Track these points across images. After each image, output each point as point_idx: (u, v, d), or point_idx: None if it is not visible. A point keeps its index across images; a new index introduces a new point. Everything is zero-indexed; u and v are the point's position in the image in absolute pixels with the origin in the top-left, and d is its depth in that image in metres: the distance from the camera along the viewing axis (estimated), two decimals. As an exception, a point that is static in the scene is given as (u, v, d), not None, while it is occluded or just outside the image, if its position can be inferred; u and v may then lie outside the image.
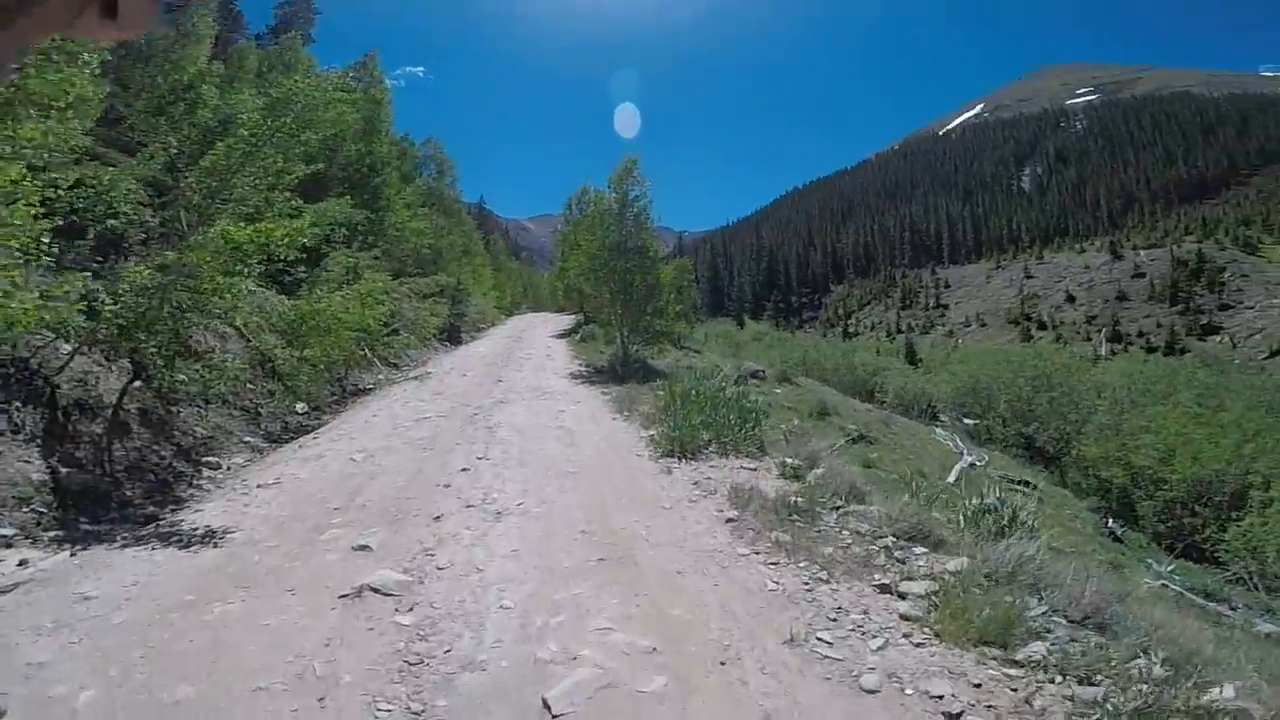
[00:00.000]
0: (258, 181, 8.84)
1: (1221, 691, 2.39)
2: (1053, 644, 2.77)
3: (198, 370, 6.80)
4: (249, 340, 9.07)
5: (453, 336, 18.14)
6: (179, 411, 6.83)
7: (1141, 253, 59.03)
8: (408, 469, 5.23)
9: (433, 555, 3.67)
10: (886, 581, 3.35)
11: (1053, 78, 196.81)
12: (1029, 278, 66.77)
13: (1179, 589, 8.08)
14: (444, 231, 24.67)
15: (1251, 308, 45.69)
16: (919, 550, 3.75)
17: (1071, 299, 59.23)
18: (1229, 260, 51.25)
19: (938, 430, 17.77)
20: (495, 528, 4.04)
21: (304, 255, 12.57)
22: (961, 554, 3.64)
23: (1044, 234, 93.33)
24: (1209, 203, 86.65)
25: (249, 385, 8.26)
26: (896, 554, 3.70)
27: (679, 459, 5.59)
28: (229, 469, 6.22)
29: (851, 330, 76.36)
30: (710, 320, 48.84)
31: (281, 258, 6.23)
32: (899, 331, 69.58)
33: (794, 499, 4.31)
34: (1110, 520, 12.23)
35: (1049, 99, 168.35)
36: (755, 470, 5.33)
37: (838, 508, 4.33)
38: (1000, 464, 15.01)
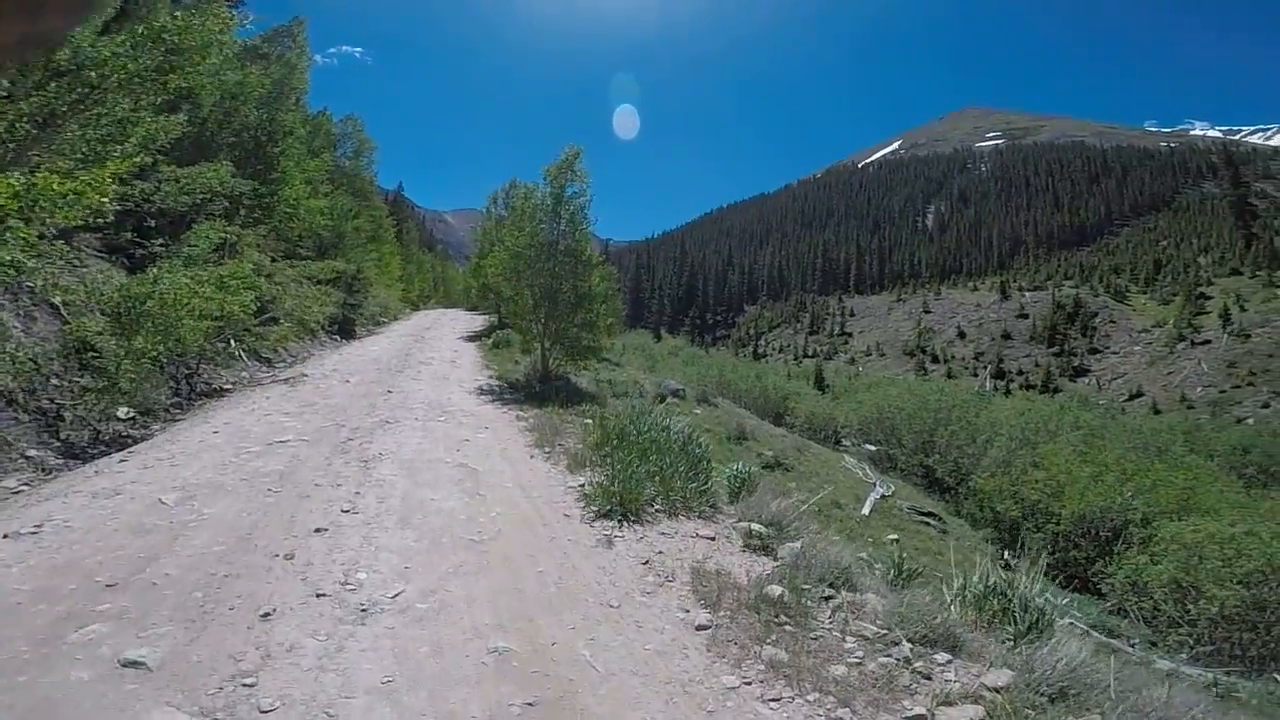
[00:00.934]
0: (92, 131, 6.99)
1: None
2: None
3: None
4: (66, 322, 7.19)
5: (345, 330, 16.15)
6: (-75, 415, 5.03)
7: (1026, 294, 64.23)
8: (238, 524, 3.78)
9: (251, 686, 2.39)
10: (922, 712, 2.52)
11: (967, 120, 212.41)
12: (926, 312, 70.90)
13: (1083, 626, 8.09)
14: (350, 214, 22.44)
15: (1116, 353, 50.56)
16: (941, 658, 2.97)
17: (963, 335, 63.32)
18: (1100, 306, 56.64)
19: (847, 458, 17.90)
20: (358, 637, 2.78)
21: (163, 224, 10.58)
22: (994, 661, 2.88)
23: (942, 270, 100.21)
24: (1085, 249, 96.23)
25: (53, 380, 6.44)
26: (918, 665, 2.89)
27: (619, 521, 4.49)
28: (-11, 499, 4.53)
29: (761, 351, 78.27)
30: (628, 331, 48.28)
31: (89, 222, 4.69)
32: (806, 355, 71.98)
33: (776, 589, 3.37)
34: (1006, 552, 12.58)
35: (960, 140, 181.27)
36: (714, 539, 4.32)
37: (827, 598, 3.45)
38: (905, 493, 15.25)
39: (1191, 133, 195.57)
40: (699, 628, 3.14)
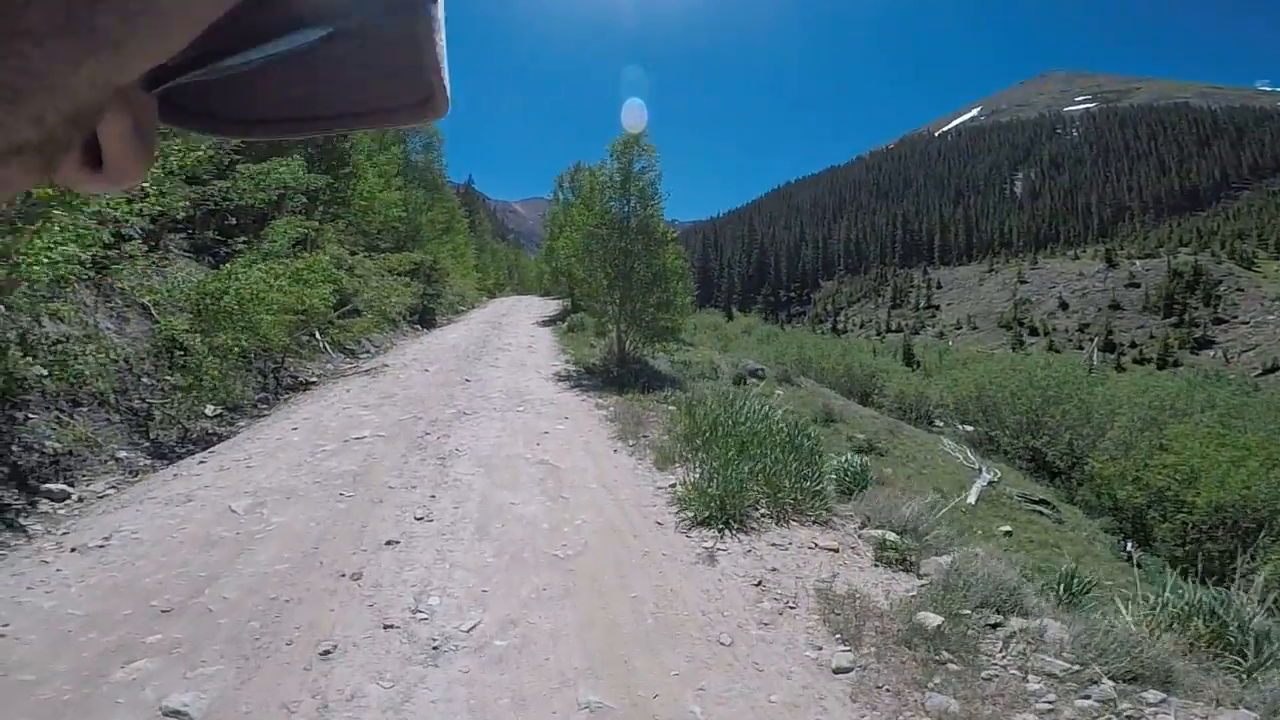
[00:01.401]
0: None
1: None
2: None
3: (53, 358, 5.09)
4: (156, 321, 7.33)
5: (425, 319, 16.36)
6: (24, 417, 5.11)
7: (1137, 262, 58.49)
8: (305, 534, 3.48)
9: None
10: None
11: (1052, 84, 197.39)
12: (1022, 282, 66.12)
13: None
14: (424, 206, 22.82)
15: (1246, 323, 45.19)
16: (1152, 697, 2.35)
17: (1064, 305, 58.69)
18: (1225, 274, 50.77)
19: (944, 440, 16.63)
20: (428, 682, 2.36)
21: (245, 222, 10.83)
22: (1221, 699, 2.29)
23: (1035, 239, 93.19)
24: (1200, 214, 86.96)
25: (144, 380, 6.54)
26: (1125, 708, 2.29)
27: (721, 530, 3.85)
28: (81, 500, 4.48)
29: (840, 327, 75.44)
30: (697, 311, 47.58)
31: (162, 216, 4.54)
32: (889, 330, 68.80)
33: (931, 618, 2.75)
34: (1128, 543, 11.36)
35: (1046, 105, 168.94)
36: (837, 551, 3.67)
37: (994, 625, 2.81)
38: (1011, 479, 14.01)
39: None
40: (837, 670, 2.56)
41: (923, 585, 3.24)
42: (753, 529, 3.94)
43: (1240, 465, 11.28)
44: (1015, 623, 2.84)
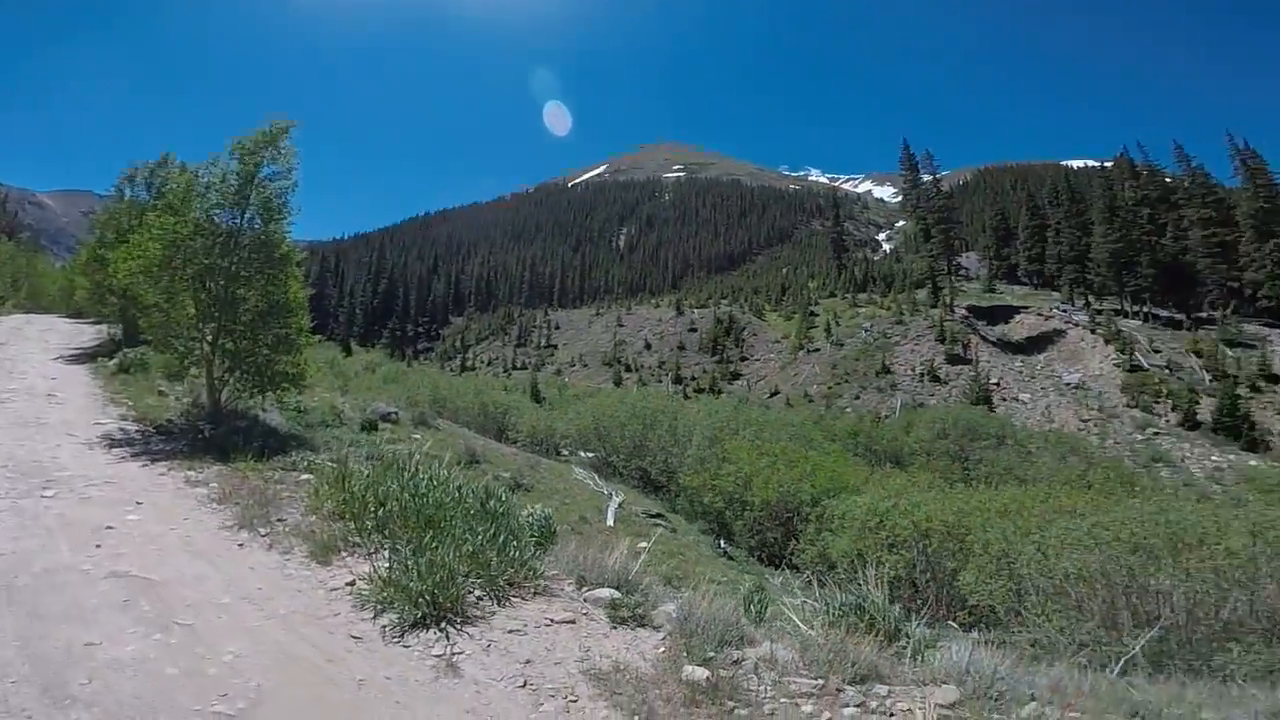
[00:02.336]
0: None
1: None
2: None
3: None
4: None
5: None
6: None
7: (695, 311, 74.98)
8: None
9: None
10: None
11: (662, 151, 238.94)
12: (620, 325, 77.58)
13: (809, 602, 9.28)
14: None
15: (759, 360, 62.17)
16: (881, 690, 2.85)
17: (649, 346, 70.94)
18: (747, 321, 69.03)
19: (575, 469, 18.11)
20: None
21: None
22: (920, 680, 2.84)
23: (630, 288, 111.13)
24: (734, 273, 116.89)
25: None
26: (874, 706, 2.73)
27: (444, 630, 3.16)
28: None
29: (470, 364, 76.21)
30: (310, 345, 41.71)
31: None
32: (515, 367, 72.32)
33: (696, 671, 2.86)
34: (721, 541, 13.93)
35: (654, 170, 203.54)
36: (574, 621, 3.40)
37: (736, 662, 2.98)
38: (632, 498, 16.04)
39: (809, 178, 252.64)
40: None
41: (664, 638, 3.25)
42: (477, 618, 3.39)
43: (773, 468, 14.98)
44: (751, 653, 3.09)
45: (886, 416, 40.04)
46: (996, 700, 2.78)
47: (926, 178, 65.09)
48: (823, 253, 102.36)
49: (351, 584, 3.63)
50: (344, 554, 3.97)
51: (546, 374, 67.21)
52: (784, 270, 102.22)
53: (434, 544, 3.68)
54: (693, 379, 60.59)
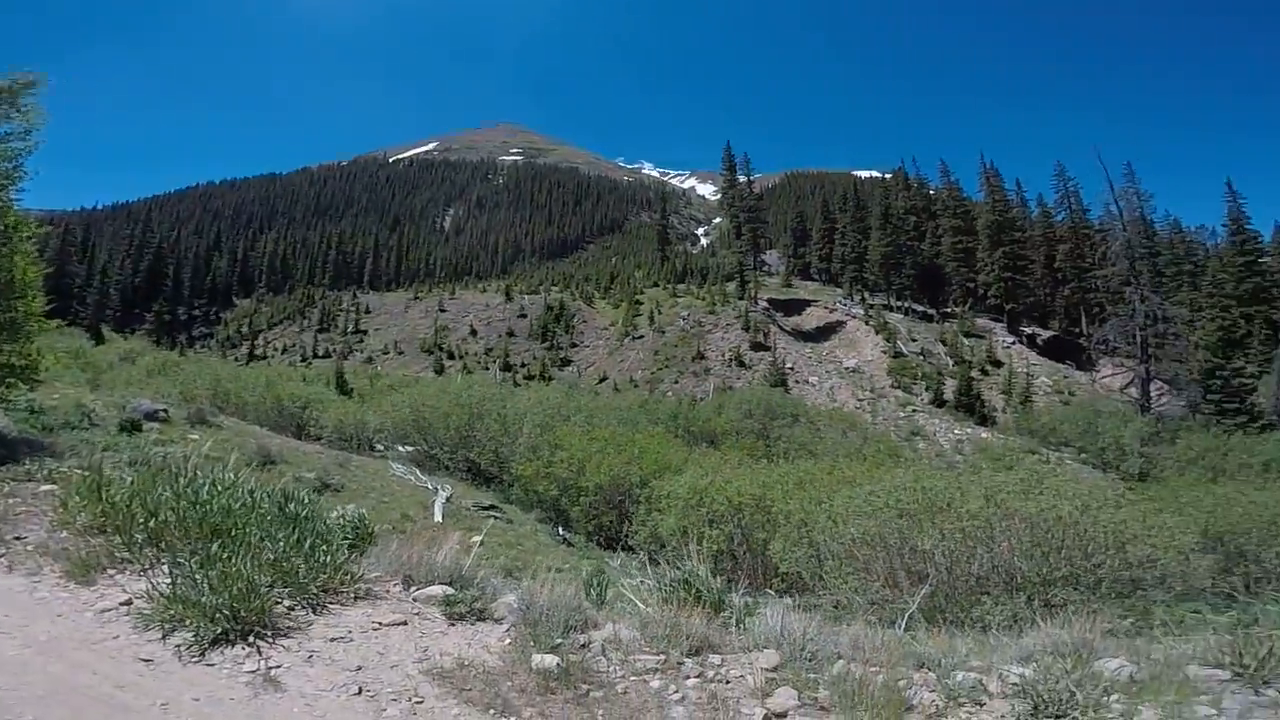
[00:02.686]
0: None
1: None
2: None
3: None
4: None
5: None
6: None
7: (525, 297, 73.78)
8: None
9: None
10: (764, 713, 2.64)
11: (500, 133, 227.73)
12: (442, 310, 73.72)
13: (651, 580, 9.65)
14: None
15: (589, 347, 63.10)
16: (715, 659, 3.06)
17: (475, 332, 68.42)
18: (577, 309, 69.56)
19: (393, 465, 16.95)
20: None
21: None
22: (746, 647, 3.06)
23: (454, 271, 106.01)
24: (565, 260, 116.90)
25: None
26: (711, 675, 2.95)
27: (253, 644, 2.82)
28: None
29: (260, 352, 67.53)
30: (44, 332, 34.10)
31: None
32: (317, 355, 65.54)
33: (546, 659, 2.86)
34: (560, 529, 13.98)
35: (489, 151, 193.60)
36: (406, 622, 3.20)
37: (585, 645, 3.01)
38: (461, 491, 15.42)
39: (643, 171, 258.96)
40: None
41: (508, 630, 3.20)
42: (291, 630, 3.07)
43: (603, 453, 15.30)
44: (596, 635, 3.13)
45: (702, 399, 42.93)
46: (810, 660, 3.13)
47: (742, 179, 70.50)
48: (650, 244, 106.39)
49: (128, 604, 3.06)
50: (111, 572, 3.35)
51: (355, 363, 61.91)
52: (614, 259, 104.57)
53: (225, 554, 3.27)
54: (523, 366, 59.74)
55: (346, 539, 4.01)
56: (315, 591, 3.40)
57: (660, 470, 14.25)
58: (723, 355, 54.40)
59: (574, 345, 63.31)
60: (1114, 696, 2.79)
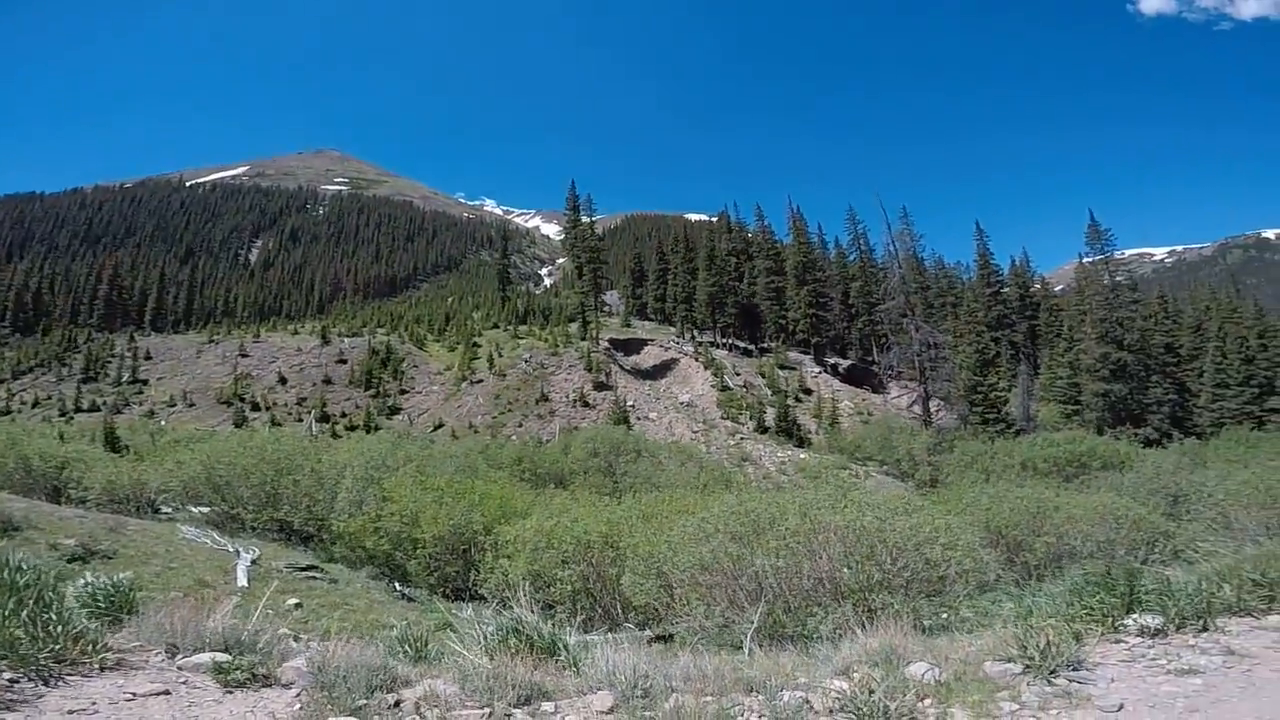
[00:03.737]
0: None
1: None
2: None
3: None
4: None
5: None
6: None
7: (345, 339, 67.85)
8: None
9: None
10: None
11: (324, 160, 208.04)
12: (244, 355, 65.39)
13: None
14: None
15: (420, 392, 59.45)
16: (549, 707, 2.94)
17: (284, 380, 61.38)
18: (407, 352, 65.41)
19: (183, 528, 14.56)
20: None
21: None
22: (581, 690, 2.89)
23: (261, 310, 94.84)
24: (394, 299, 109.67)
25: None
26: None
27: None
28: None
29: (1, 406, 54.86)
30: None
31: None
32: (80, 409, 54.72)
33: None
34: (395, 584, 12.91)
35: (309, 179, 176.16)
36: (168, 692, 2.84)
37: (397, 703, 2.83)
38: (272, 552, 13.68)
39: (484, 208, 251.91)
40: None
41: (299, 694, 2.88)
42: (14, 703, 2.73)
43: (440, 502, 14.41)
44: (408, 694, 2.83)
45: (548, 441, 42.40)
46: (645, 697, 3.09)
47: (585, 220, 72.07)
48: (489, 284, 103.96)
49: None
50: None
51: (132, 416, 52.63)
52: (449, 300, 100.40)
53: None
54: (344, 415, 54.62)
55: (95, 607, 3.39)
56: (45, 662, 3.04)
57: (505, 515, 13.81)
58: (567, 396, 54.36)
59: (404, 392, 59.37)
60: (926, 701, 3.04)
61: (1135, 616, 3.76)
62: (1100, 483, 19.49)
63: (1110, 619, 3.75)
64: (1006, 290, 67.33)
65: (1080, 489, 17.29)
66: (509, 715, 2.87)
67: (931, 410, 46.53)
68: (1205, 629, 3.63)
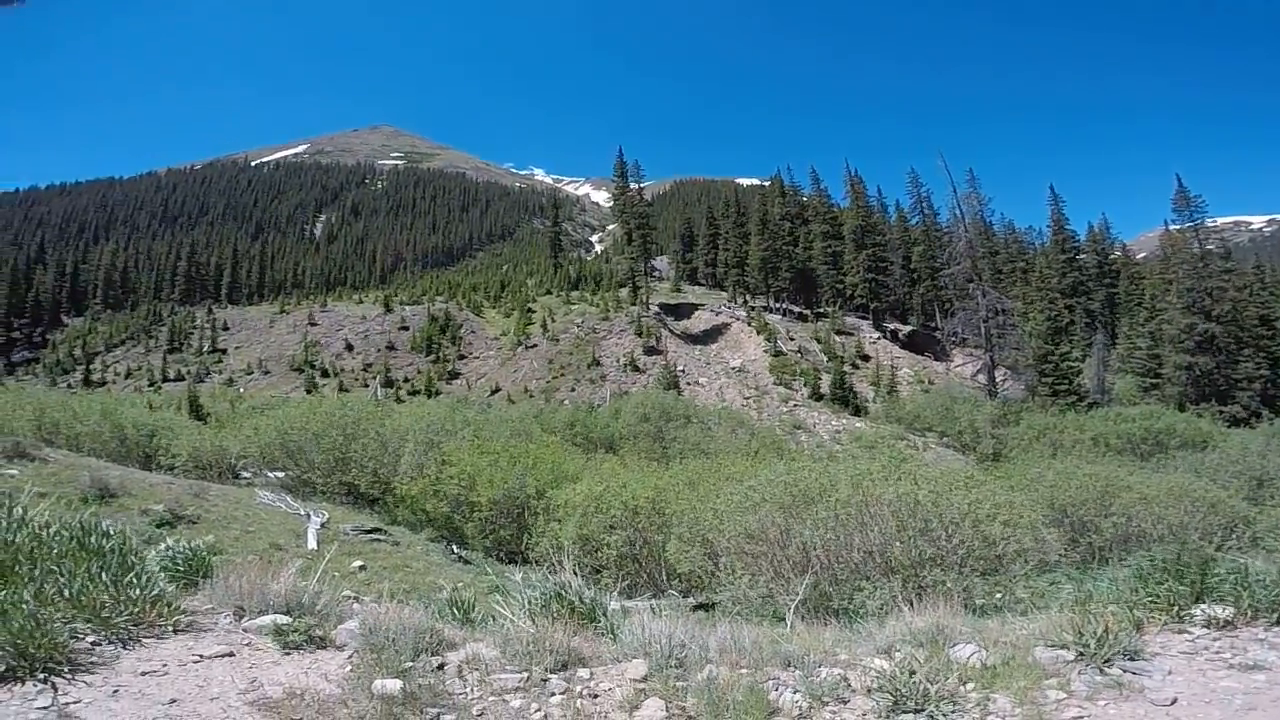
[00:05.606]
0: None
1: None
2: None
3: None
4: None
5: None
6: None
7: (406, 308, 70.18)
8: None
9: None
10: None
11: (379, 136, 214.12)
12: (312, 324, 68.53)
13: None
14: None
15: (478, 358, 61.10)
16: (584, 674, 3.00)
17: (350, 347, 64.15)
18: (464, 319, 67.14)
19: (260, 492, 15.55)
20: None
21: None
22: (616, 657, 2.99)
23: (326, 282, 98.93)
24: (451, 269, 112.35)
25: None
26: (578, 690, 2.85)
27: (44, 679, 2.66)
28: None
29: (97, 377, 59.58)
30: None
31: None
32: (166, 379, 58.83)
33: (390, 684, 2.69)
34: (453, 547, 13.46)
35: (366, 154, 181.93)
36: (232, 654, 3.01)
37: (441, 666, 2.97)
38: (339, 516, 14.45)
39: (535, 177, 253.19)
40: None
41: (351, 656, 3.05)
42: (95, 665, 2.91)
43: (496, 466, 14.86)
44: (452, 656, 2.94)
45: (599, 405, 42.95)
46: (679, 667, 3.13)
47: (634, 186, 71.40)
48: (542, 251, 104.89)
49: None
50: None
51: (213, 385, 56.17)
52: (504, 268, 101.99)
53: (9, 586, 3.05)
54: (406, 381, 56.75)
55: (174, 570, 3.66)
56: (124, 625, 3.22)
57: (557, 479, 14.09)
58: (618, 361, 54.73)
59: (462, 357, 61.06)
60: (969, 685, 2.95)
61: (1204, 606, 3.53)
62: (1178, 462, 18.30)
63: (1176, 608, 3.54)
64: (1083, 257, 63.05)
65: (1156, 469, 16.30)
66: (545, 680, 2.97)
67: (997, 380, 44.55)
68: (1279, 623, 3.38)
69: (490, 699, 2.88)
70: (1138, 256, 79.24)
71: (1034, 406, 37.76)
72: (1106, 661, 3.05)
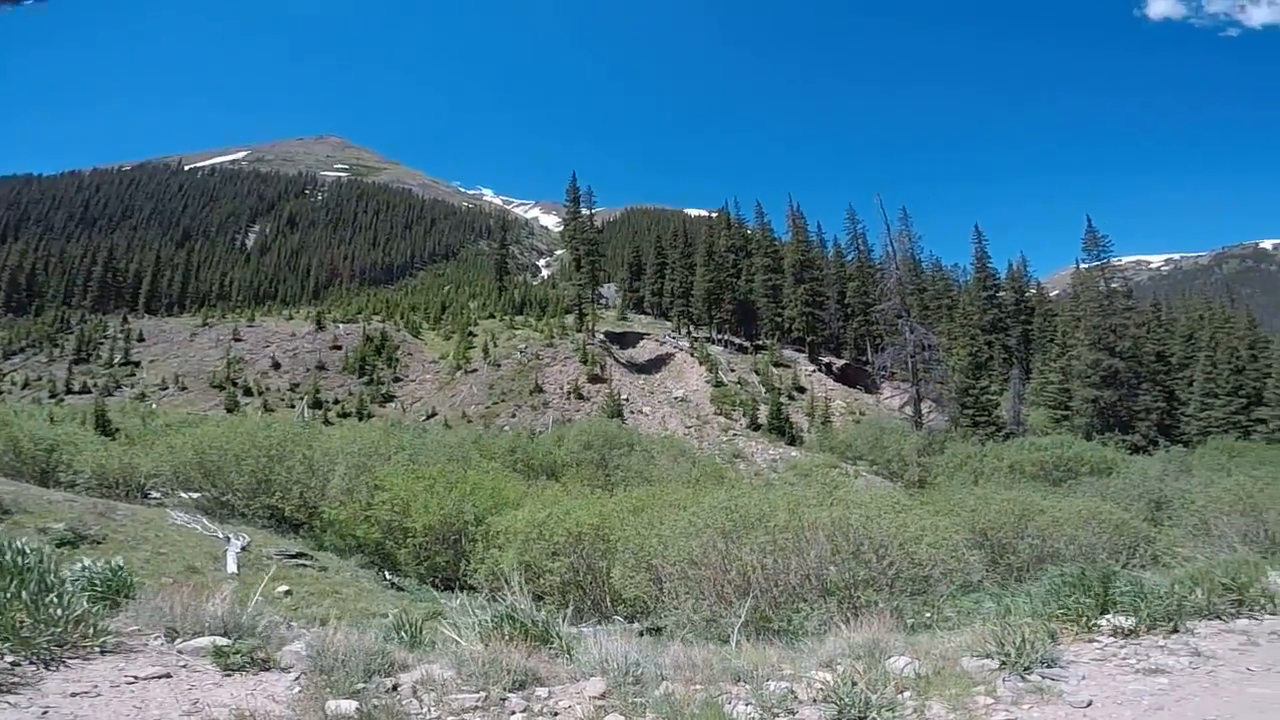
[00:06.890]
0: None
1: None
2: None
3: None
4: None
5: None
6: None
7: (340, 326, 67.61)
8: None
9: None
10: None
11: (325, 147, 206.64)
12: (237, 340, 65.04)
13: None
14: None
15: (415, 381, 59.33)
16: (542, 693, 3.01)
17: (277, 365, 61.08)
18: (402, 340, 65.21)
19: (173, 513, 14.58)
20: None
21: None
22: (573, 676, 3.01)
23: (256, 295, 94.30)
24: (390, 287, 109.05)
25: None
26: (537, 709, 2.86)
27: None
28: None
29: (-11, 387, 54.53)
30: None
31: None
32: (71, 391, 54.47)
33: (343, 704, 2.64)
34: (385, 573, 12.94)
35: (309, 165, 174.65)
36: (169, 675, 2.91)
37: (394, 687, 2.91)
38: (261, 539, 13.71)
39: (483, 197, 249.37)
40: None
41: (298, 678, 2.98)
42: (16, 686, 2.79)
43: (432, 492, 14.45)
44: (405, 677, 2.90)
45: (541, 432, 42.43)
46: (636, 684, 3.19)
47: (585, 212, 71.82)
48: (487, 273, 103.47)
49: None
50: None
51: (123, 399, 52.39)
52: (446, 289, 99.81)
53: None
54: (336, 402, 54.46)
55: (93, 591, 3.47)
56: (45, 646, 3.09)
57: (497, 506, 13.86)
58: (561, 388, 54.37)
59: (398, 379, 59.20)
60: (906, 694, 3.15)
61: (1109, 617, 3.89)
62: (1086, 488, 19.76)
63: (1085, 619, 3.88)
64: (1002, 294, 67.69)
65: (1067, 493, 17.54)
66: (504, 699, 2.96)
67: (923, 412, 46.82)
68: (1175, 630, 3.75)
69: (449, 718, 2.84)
70: (1052, 294, 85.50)
71: (956, 437, 39.90)
72: (1027, 669, 3.31)
